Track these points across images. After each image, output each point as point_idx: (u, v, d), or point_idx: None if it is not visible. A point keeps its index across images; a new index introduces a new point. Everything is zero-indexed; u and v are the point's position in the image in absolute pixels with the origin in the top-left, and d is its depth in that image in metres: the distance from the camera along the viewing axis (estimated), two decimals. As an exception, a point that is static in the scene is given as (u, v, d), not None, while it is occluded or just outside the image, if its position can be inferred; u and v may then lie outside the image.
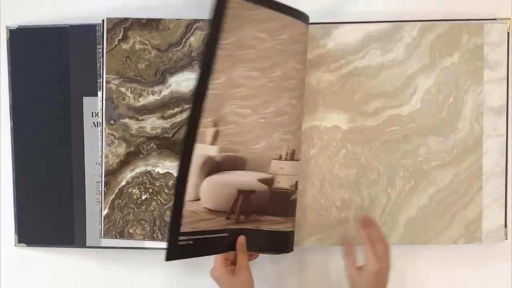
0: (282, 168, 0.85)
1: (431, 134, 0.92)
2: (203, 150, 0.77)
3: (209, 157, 0.79)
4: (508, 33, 0.91)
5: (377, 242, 0.82)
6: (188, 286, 0.96)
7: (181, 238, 0.76)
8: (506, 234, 0.93)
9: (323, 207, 0.93)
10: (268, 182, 0.84)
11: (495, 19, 0.91)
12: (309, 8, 0.92)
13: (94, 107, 0.93)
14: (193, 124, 0.74)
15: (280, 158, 0.84)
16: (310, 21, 0.90)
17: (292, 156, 0.85)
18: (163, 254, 0.93)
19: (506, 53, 0.91)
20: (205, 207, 0.80)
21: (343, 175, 0.92)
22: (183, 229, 0.76)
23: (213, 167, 0.80)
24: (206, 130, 0.77)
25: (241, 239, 0.82)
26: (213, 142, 0.79)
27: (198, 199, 0.79)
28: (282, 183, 0.85)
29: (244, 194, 0.83)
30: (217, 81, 0.76)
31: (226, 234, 0.81)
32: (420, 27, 0.91)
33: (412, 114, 0.92)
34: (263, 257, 0.93)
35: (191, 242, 0.77)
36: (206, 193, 0.80)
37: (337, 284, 0.96)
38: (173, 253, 0.76)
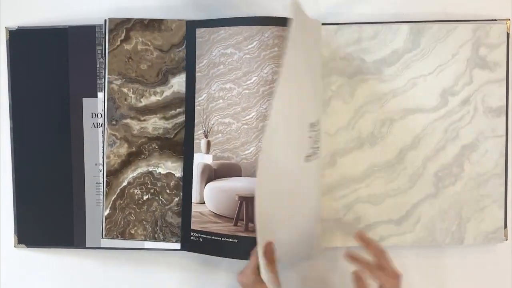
0: None
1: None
2: (200, 158, 0.89)
3: (207, 165, 0.89)
4: (508, 34, 0.91)
5: (384, 262, 0.77)
6: (188, 287, 0.96)
7: (192, 234, 0.88)
8: (506, 235, 0.93)
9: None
10: None
11: (494, 20, 0.91)
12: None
13: (93, 108, 0.93)
14: (189, 136, 0.89)
15: None
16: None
17: None
18: (162, 255, 0.94)
19: (506, 54, 0.91)
20: (210, 211, 0.88)
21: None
22: (193, 226, 0.88)
23: (211, 174, 0.89)
24: (200, 141, 0.88)
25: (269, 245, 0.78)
26: (207, 151, 0.88)
27: (203, 203, 0.88)
28: None
29: (246, 201, 0.84)
30: (199, 98, 0.88)
31: (235, 241, 0.84)
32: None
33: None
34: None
35: (200, 239, 0.87)
36: (209, 198, 0.88)
37: (337, 285, 0.96)
38: (185, 244, 0.89)
